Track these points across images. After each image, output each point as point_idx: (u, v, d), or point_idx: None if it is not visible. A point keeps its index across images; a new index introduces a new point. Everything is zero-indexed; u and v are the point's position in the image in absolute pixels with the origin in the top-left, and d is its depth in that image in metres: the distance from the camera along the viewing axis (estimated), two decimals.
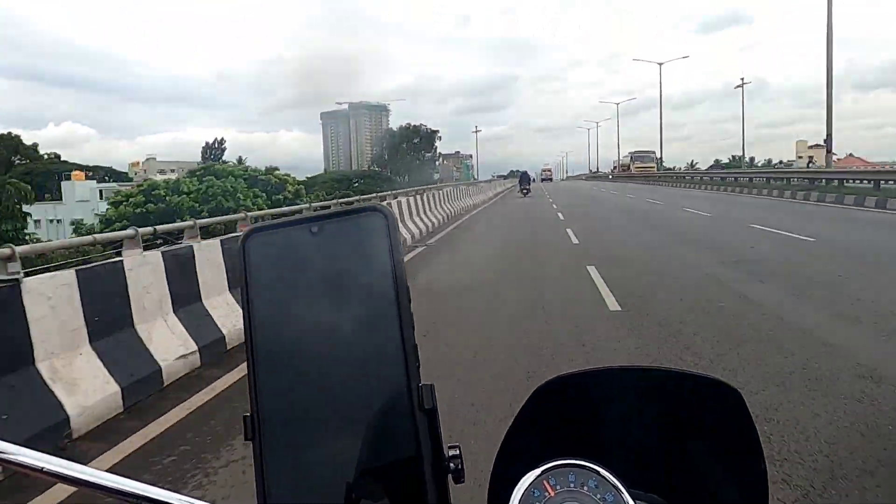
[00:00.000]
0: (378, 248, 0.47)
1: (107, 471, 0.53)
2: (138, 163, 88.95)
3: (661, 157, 79.72)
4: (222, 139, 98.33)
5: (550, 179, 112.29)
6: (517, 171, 68.23)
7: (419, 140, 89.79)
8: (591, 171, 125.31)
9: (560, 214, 22.13)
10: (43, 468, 0.51)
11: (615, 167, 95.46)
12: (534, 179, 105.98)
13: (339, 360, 0.46)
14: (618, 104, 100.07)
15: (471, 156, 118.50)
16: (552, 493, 0.54)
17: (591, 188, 53.53)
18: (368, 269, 0.47)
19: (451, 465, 0.47)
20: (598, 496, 0.54)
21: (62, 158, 77.35)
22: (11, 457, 0.52)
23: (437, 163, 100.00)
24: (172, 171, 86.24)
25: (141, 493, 0.51)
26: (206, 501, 0.53)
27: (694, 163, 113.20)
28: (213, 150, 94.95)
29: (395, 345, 0.46)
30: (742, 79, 53.75)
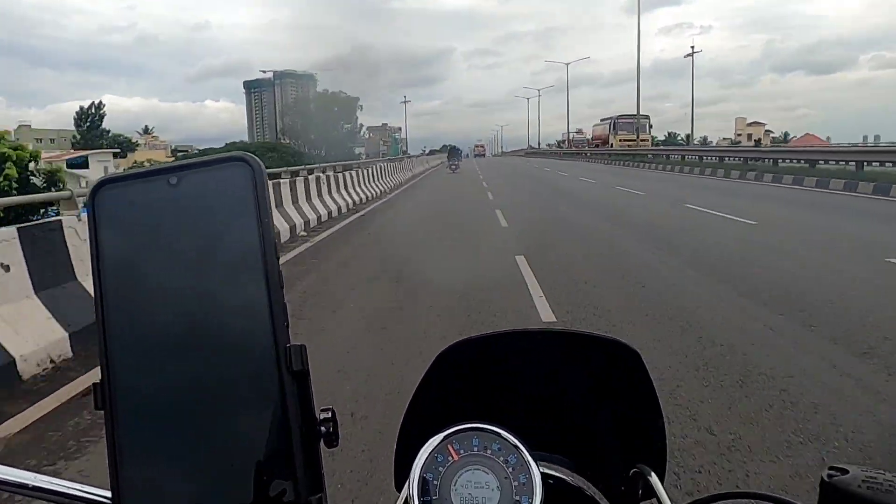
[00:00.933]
0: (243, 200, 0.43)
1: None
2: (10, 131, 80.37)
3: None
4: (100, 103, 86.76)
5: (483, 155, 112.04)
6: (448, 145, 65.94)
7: (337, 109, 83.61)
8: (530, 146, 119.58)
9: (489, 193, 20.23)
10: None
11: (566, 140, 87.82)
12: (467, 155, 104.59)
13: (201, 323, 0.42)
14: (539, 91, 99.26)
15: (400, 129, 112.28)
16: (456, 458, 0.54)
17: (525, 163, 51.97)
18: (232, 223, 0.43)
19: (323, 428, 0.44)
20: (501, 458, 0.54)
21: None
22: None
23: (359, 135, 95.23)
24: (52, 140, 79.19)
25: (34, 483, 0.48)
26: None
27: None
28: (89, 117, 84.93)
29: (261, 304, 0.42)
30: (692, 47, 51.97)
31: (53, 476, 0.50)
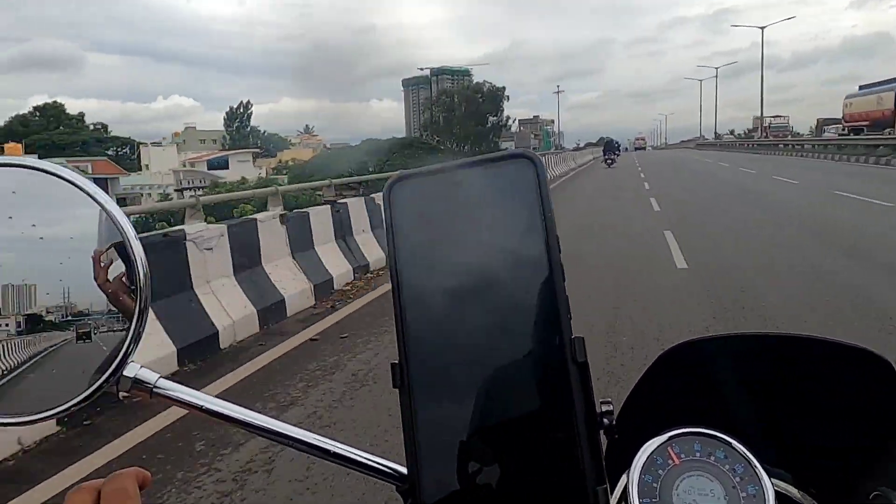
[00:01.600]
0: (526, 196, 0.45)
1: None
2: (178, 133, 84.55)
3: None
4: (248, 102, 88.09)
5: (644, 148, 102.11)
6: (604, 138, 59.31)
7: (482, 100, 77.35)
8: (702, 136, 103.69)
9: (656, 203, 14.97)
10: (180, 398, 0.49)
11: (757, 128, 67.72)
12: (626, 149, 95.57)
13: (489, 311, 0.44)
14: (717, 68, 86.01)
15: (552, 121, 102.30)
16: (677, 462, 0.51)
17: (696, 159, 44.06)
18: (517, 217, 0.45)
19: (605, 420, 0.45)
20: (727, 467, 0.50)
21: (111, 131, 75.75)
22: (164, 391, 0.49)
23: (506, 128, 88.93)
24: (214, 141, 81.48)
25: (255, 422, 0.49)
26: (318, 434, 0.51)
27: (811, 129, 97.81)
28: (238, 117, 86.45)
29: (547, 296, 0.44)
30: None
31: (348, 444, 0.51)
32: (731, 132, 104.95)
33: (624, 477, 0.51)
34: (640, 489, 0.50)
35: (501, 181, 0.46)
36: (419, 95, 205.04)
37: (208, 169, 52.96)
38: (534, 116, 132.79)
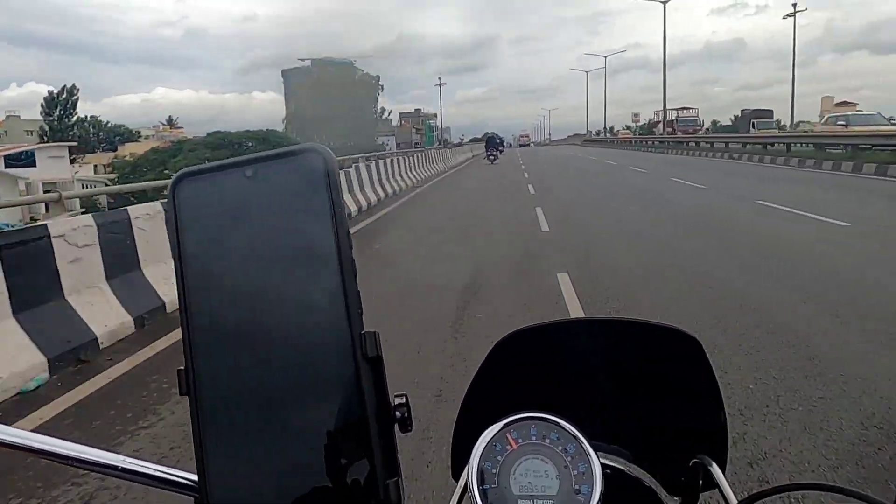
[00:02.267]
0: (316, 190, 0.44)
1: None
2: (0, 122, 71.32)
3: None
4: (73, 87, 71.45)
5: (528, 145, 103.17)
6: (488, 133, 56.86)
7: (356, 91, 71.34)
8: (590, 131, 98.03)
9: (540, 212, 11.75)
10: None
11: (660, 122, 60.57)
12: (510, 144, 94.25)
13: (278, 310, 0.44)
14: (605, 56, 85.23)
15: (435, 115, 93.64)
16: (514, 446, 0.55)
17: (580, 157, 42.08)
18: (307, 213, 0.44)
19: (398, 413, 0.45)
20: (560, 448, 0.54)
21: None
22: None
23: (382, 121, 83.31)
24: (31, 133, 69.02)
25: (77, 455, 0.49)
26: (142, 460, 0.51)
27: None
28: (59, 104, 71.10)
29: (336, 292, 0.43)
30: (794, 5, 40.62)
31: (139, 458, 0.51)
32: (611, 129, 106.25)
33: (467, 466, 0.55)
34: (479, 476, 0.54)
35: (291, 176, 0.44)
36: (300, 87, 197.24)
37: (5, 167, 41.08)
38: (415, 110, 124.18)
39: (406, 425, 0.45)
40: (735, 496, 0.57)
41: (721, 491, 0.59)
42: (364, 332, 0.43)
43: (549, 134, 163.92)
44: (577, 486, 0.53)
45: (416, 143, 79.82)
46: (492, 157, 36.36)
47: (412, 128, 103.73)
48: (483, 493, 0.53)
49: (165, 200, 6.83)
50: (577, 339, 0.67)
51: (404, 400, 0.45)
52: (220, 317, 0.44)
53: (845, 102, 65.96)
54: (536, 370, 0.67)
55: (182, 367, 0.44)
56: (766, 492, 0.58)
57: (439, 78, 66.09)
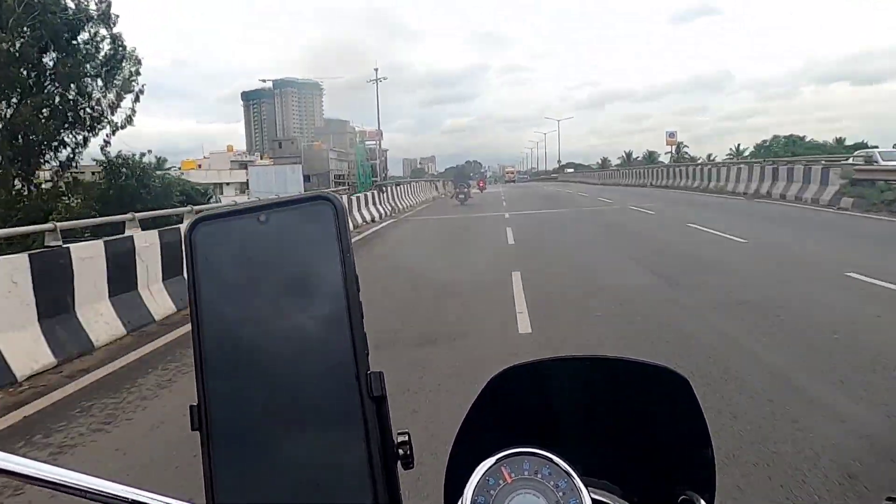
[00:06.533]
0: (326, 237, 0.47)
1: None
2: None
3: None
4: None
5: (514, 181, 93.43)
6: (456, 166, 47.64)
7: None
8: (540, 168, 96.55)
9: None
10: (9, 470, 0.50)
11: None
12: (494, 180, 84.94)
13: (288, 351, 0.46)
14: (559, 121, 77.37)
15: (381, 133, 48.87)
16: (509, 480, 0.56)
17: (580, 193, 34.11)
18: (317, 258, 0.47)
19: (400, 451, 0.47)
20: (552, 483, 0.55)
21: None
22: None
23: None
24: None
25: (99, 489, 0.51)
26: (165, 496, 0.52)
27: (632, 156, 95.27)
28: None
29: (343, 333, 0.46)
30: None
31: (147, 491, 0.52)
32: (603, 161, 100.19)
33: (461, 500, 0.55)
34: None
35: (303, 222, 0.47)
36: (261, 110, 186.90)
37: None
38: (346, 121, 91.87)
39: (409, 463, 0.47)
40: None
41: None
42: (370, 372, 0.45)
43: (534, 166, 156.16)
44: None
45: (337, 178, 59.88)
46: (461, 196, 29.32)
47: (329, 150, 69.57)
48: None
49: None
50: (569, 375, 0.69)
51: (407, 438, 0.47)
52: (232, 356, 0.45)
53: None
54: (529, 406, 0.69)
55: (194, 404, 0.46)
56: None
57: (376, 70, 47.17)
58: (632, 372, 0.68)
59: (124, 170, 21.65)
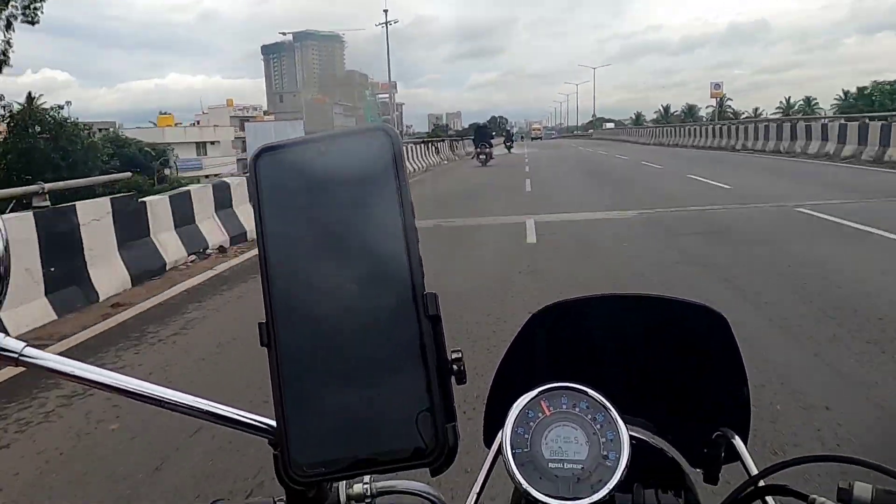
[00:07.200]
0: (383, 165, 0.49)
1: None
2: None
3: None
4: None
5: (540, 138, 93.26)
6: (475, 124, 41.16)
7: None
8: (621, 121, 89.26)
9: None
10: (68, 372, 0.52)
11: None
12: (521, 137, 78.85)
13: (349, 271, 0.48)
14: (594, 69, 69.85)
15: (396, 84, 46.74)
16: (548, 413, 0.58)
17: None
18: (375, 185, 0.48)
19: (454, 367, 0.49)
20: (589, 416, 0.57)
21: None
22: (37, 361, 0.51)
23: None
24: None
25: (153, 394, 0.52)
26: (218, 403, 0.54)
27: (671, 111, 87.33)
28: None
29: (401, 256, 0.48)
30: None
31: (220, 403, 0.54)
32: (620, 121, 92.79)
33: (501, 430, 0.58)
34: (512, 440, 0.57)
35: (361, 152, 0.49)
36: (281, 64, 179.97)
37: None
38: (351, 72, 79.38)
39: (461, 378, 0.48)
40: (756, 468, 0.61)
41: (743, 463, 0.62)
42: (426, 293, 0.47)
43: (566, 121, 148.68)
44: (605, 453, 0.56)
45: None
46: (483, 158, 25.60)
47: (334, 103, 62.65)
48: (515, 456, 0.57)
49: None
50: (609, 313, 0.70)
51: (460, 355, 0.48)
52: (297, 277, 0.48)
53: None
54: (568, 342, 0.69)
55: (263, 321, 0.48)
56: (787, 463, 0.59)
57: (385, 11, 44.69)
58: (670, 309, 0.69)
59: (37, 127, 16.47)
